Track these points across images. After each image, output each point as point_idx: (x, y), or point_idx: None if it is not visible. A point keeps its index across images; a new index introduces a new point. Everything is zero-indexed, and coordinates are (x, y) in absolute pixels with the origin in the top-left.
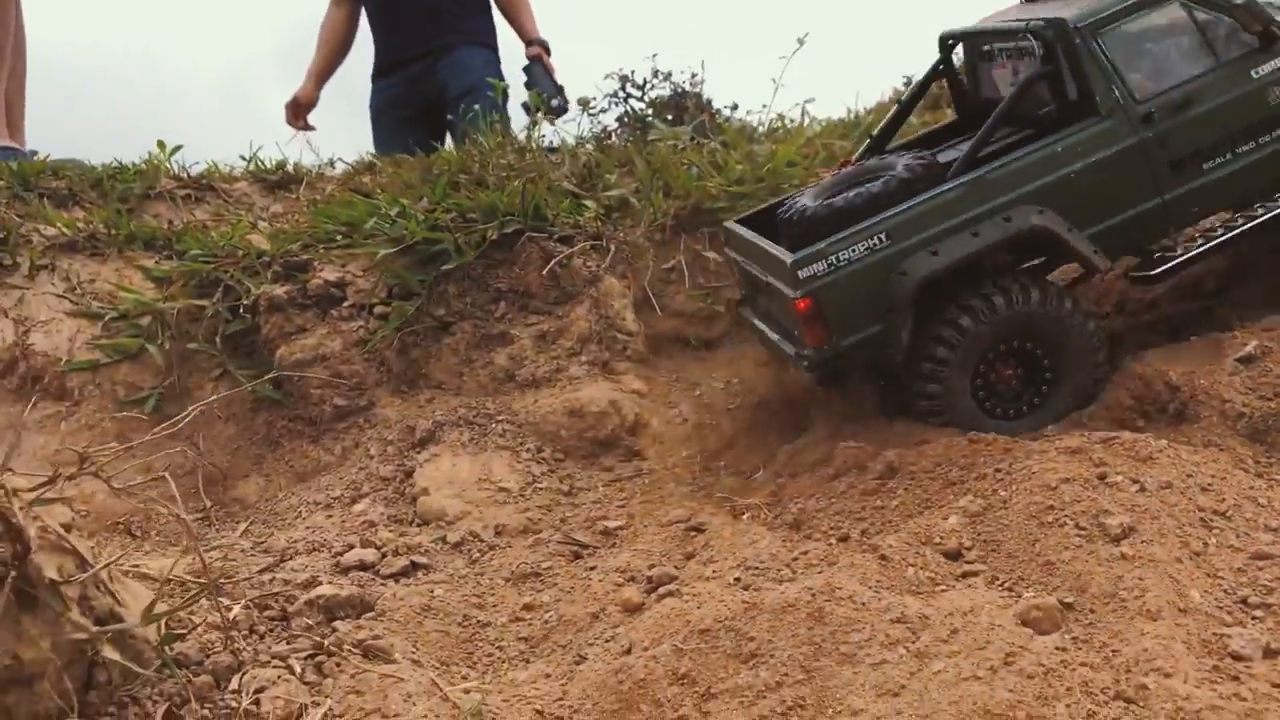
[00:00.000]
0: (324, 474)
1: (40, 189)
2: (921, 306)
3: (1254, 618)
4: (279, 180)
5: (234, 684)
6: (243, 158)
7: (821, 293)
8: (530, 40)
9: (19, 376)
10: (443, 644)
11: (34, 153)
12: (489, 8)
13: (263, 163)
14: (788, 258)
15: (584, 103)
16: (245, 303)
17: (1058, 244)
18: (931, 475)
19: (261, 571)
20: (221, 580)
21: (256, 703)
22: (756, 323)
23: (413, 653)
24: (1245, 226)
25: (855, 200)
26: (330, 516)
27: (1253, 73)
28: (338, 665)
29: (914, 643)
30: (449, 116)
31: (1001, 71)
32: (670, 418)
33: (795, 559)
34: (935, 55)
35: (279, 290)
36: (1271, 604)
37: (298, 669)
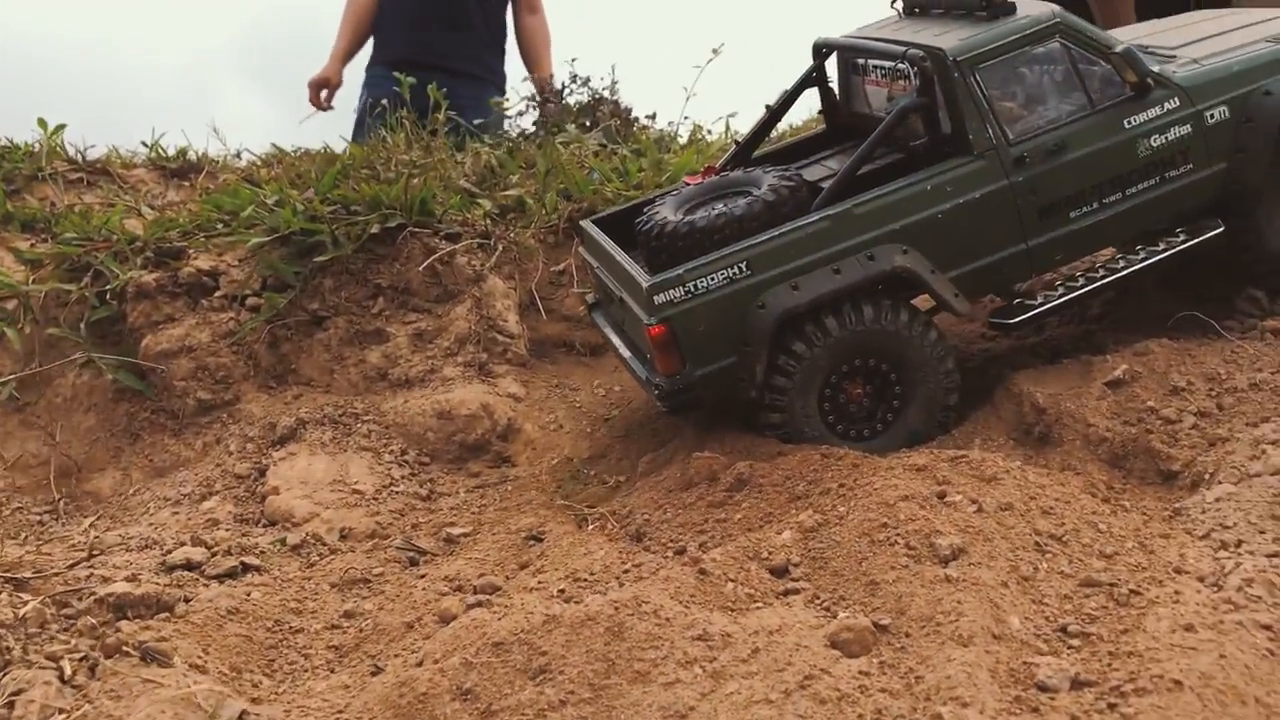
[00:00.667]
0: (181, 469)
1: None
2: (778, 341)
3: (1070, 647)
4: (178, 169)
5: None
6: (144, 144)
7: (677, 320)
8: (540, 79)
9: None
10: (241, 649)
11: None
12: (504, 42)
13: (164, 150)
14: (645, 280)
15: (497, 104)
16: (113, 289)
17: (919, 286)
18: (779, 489)
19: (73, 566)
20: (28, 575)
21: (10, 705)
22: (609, 333)
23: (201, 658)
24: (1107, 280)
25: (717, 220)
26: (176, 513)
27: (1125, 122)
28: (111, 668)
29: (712, 662)
30: None
31: (875, 88)
32: (545, 423)
33: (626, 571)
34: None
35: (148, 277)
36: (1091, 633)
37: (68, 670)
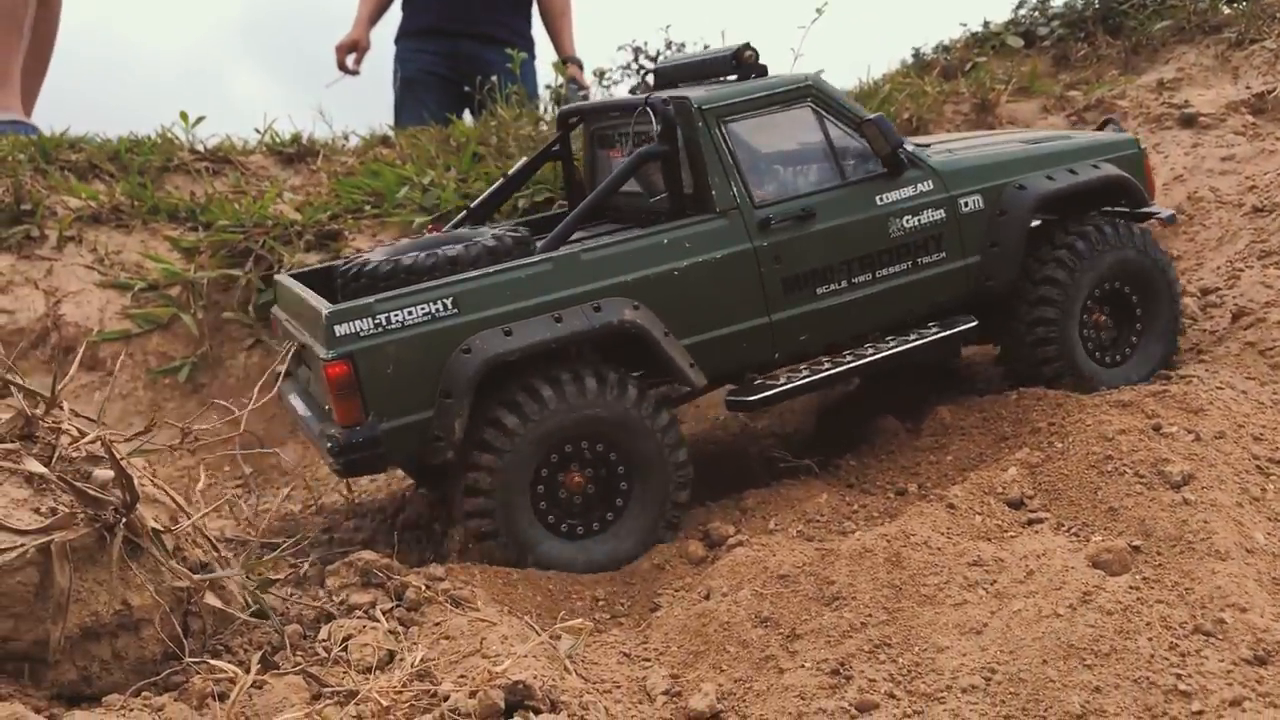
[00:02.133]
0: None
1: (60, 162)
2: (482, 395)
3: None
4: (295, 153)
5: (323, 633)
6: (256, 130)
7: (361, 358)
8: (566, 58)
9: (51, 347)
10: (520, 599)
11: (36, 129)
12: (531, 7)
13: (278, 135)
14: (324, 308)
15: (599, 74)
16: (278, 271)
17: (649, 347)
18: (981, 430)
19: (323, 532)
20: (285, 539)
21: (345, 649)
22: (292, 401)
23: (495, 605)
24: (856, 364)
25: (427, 261)
26: (374, 479)
27: (877, 199)
28: (421, 614)
29: (992, 584)
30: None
31: (615, 160)
32: None
33: (855, 512)
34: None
35: (312, 258)
36: None
37: (381, 620)
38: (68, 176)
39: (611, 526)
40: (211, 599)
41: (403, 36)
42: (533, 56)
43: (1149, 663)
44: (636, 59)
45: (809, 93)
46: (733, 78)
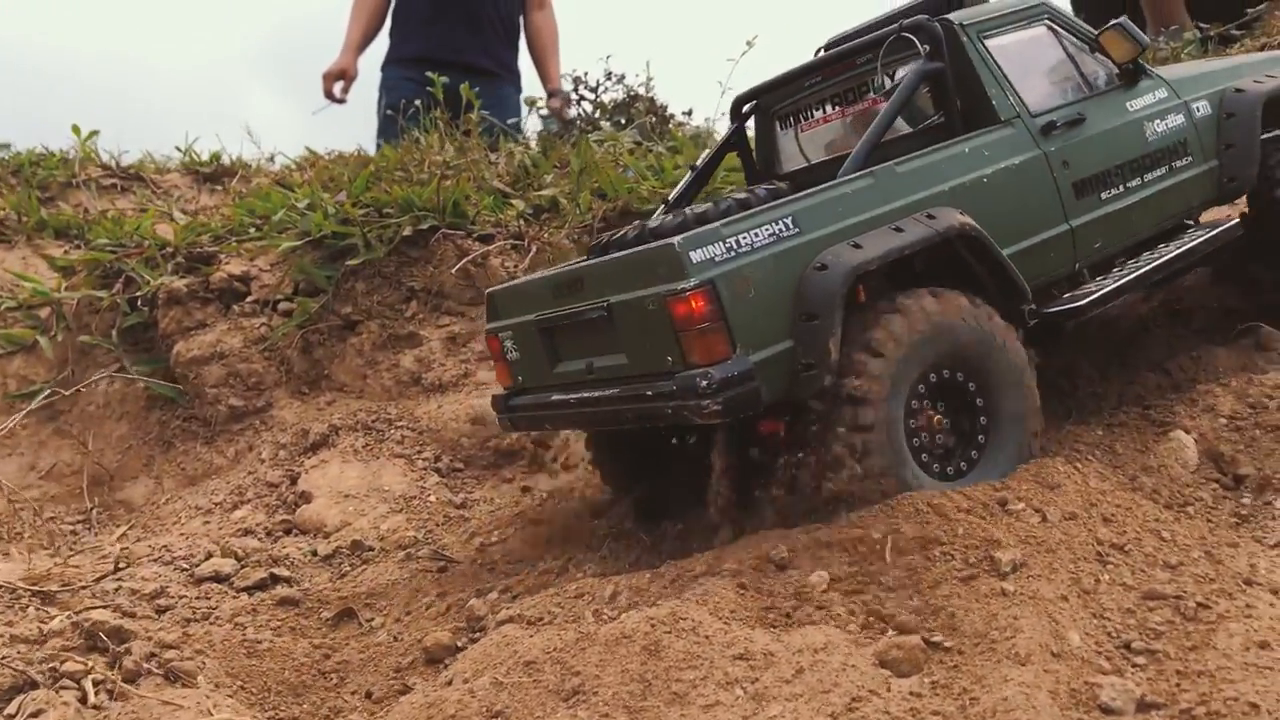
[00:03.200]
0: (213, 477)
1: None
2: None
3: (1135, 665)
4: (212, 173)
5: (12, 706)
6: (177, 148)
7: (722, 284)
8: (552, 91)
9: None
10: (267, 674)
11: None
12: (519, 37)
13: (197, 154)
14: (673, 239)
15: (530, 103)
16: (144, 294)
17: (985, 255)
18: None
19: (100, 579)
20: (56, 589)
21: None
22: (559, 398)
23: (227, 679)
24: (1160, 261)
25: (674, 220)
26: (208, 523)
27: (1127, 105)
28: (136, 686)
29: (753, 683)
30: None
31: (814, 130)
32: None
33: (646, 586)
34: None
35: (179, 283)
36: (1157, 650)
37: (89, 691)
38: None
39: (977, 465)
40: None
41: (389, 64)
42: (517, 89)
43: None
44: (576, 89)
45: (1044, 11)
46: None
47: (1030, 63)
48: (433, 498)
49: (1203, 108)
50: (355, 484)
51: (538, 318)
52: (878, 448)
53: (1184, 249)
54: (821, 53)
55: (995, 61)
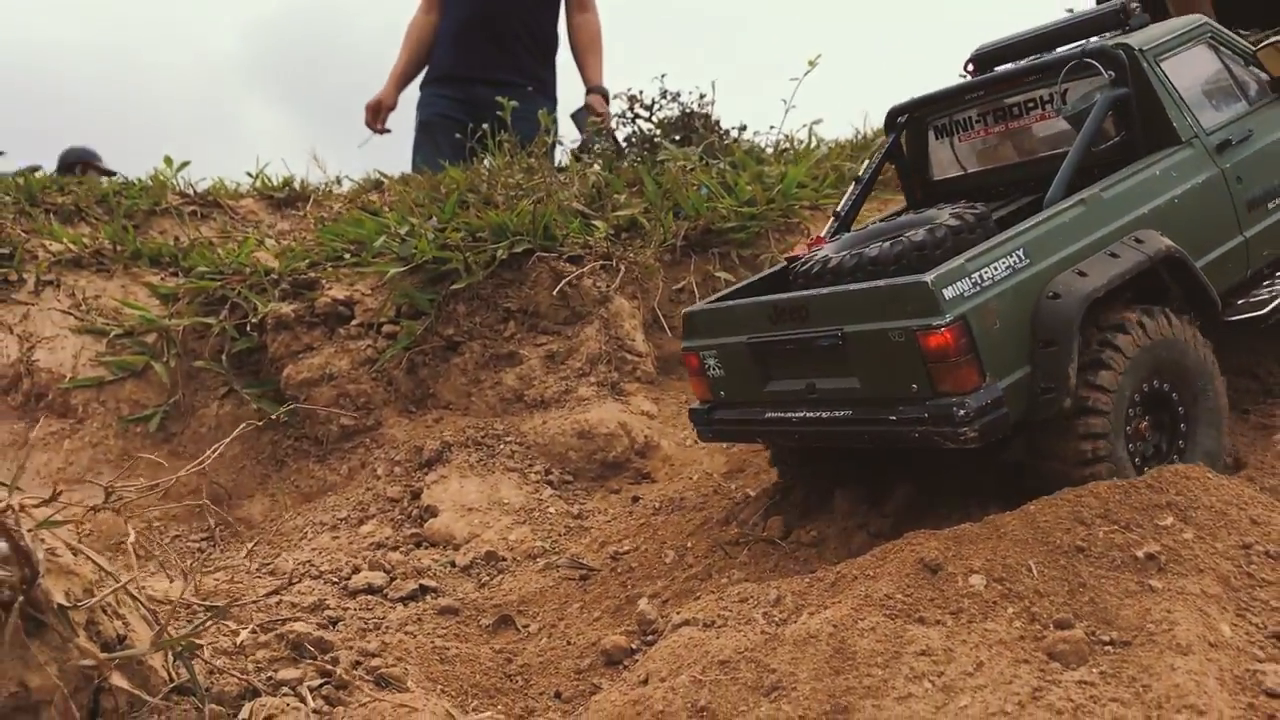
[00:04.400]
0: (330, 494)
1: (47, 204)
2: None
3: None
4: (285, 198)
5: (244, 712)
6: (249, 174)
7: (973, 317)
8: (591, 88)
9: (23, 393)
10: (457, 677)
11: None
12: (555, 52)
13: (269, 179)
14: (925, 277)
15: (593, 123)
16: (252, 320)
17: (1186, 274)
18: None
19: (268, 595)
20: (228, 603)
21: None
22: (774, 415)
23: (428, 684)
24: None
25: (893, 250)
26: (337, 538)
27: None
28: (348, 694)
29: (940, 676)
30: None
31: (971, 141)
32: (680, 439)
33: (808, 589)
34: (889, 88)
35: (286, 308)
36: None
37: (308, 698)
38: (51, 219)
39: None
40: (119, 679)
41: (424, 83)
42: (552, 100)
43: None
44: (631, 107)
45: (1206, 29)
46: (1115, 33)
47: (1199, 81)
48: (551, 509)
49: None
50: (475, 497)
51: (749, 340)
52: (1107, 454)
53: None
54: (970, 66)
55: (1172, 83)
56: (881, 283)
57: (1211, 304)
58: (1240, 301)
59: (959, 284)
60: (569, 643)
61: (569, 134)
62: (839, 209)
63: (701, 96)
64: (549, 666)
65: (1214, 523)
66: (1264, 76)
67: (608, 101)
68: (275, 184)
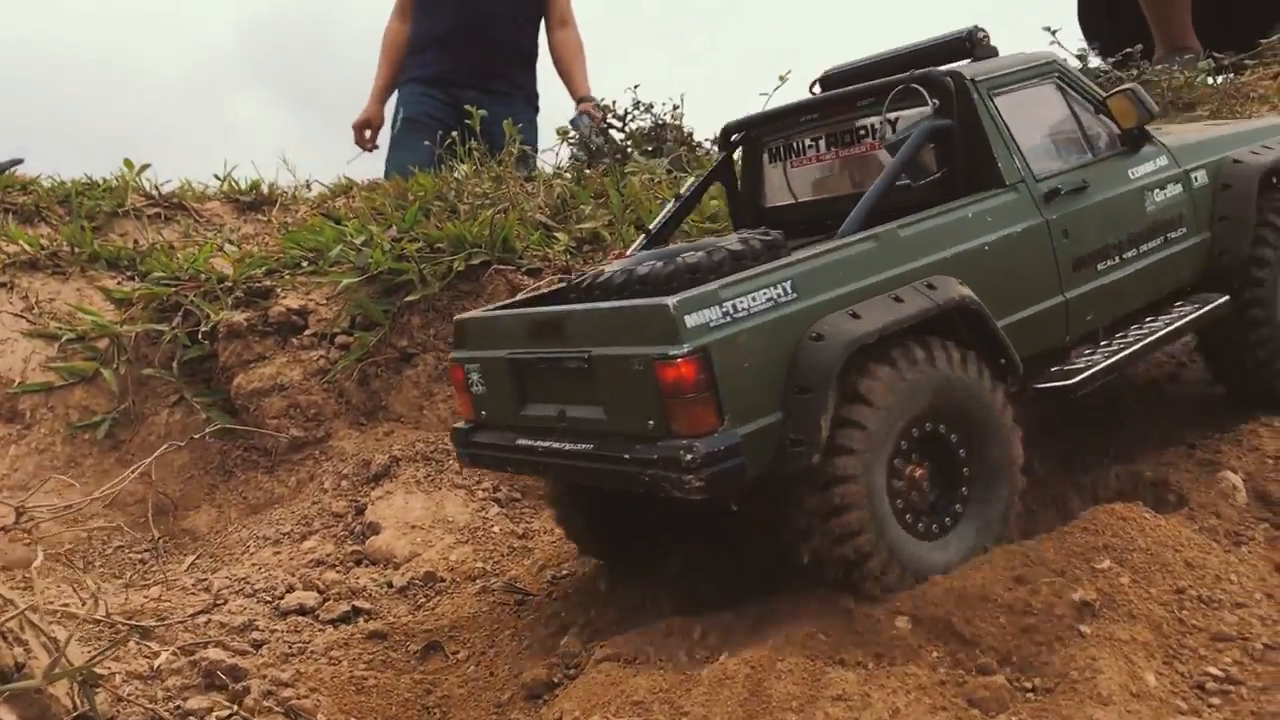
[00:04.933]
0: (276, 507)
1: (6, 204)
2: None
3: (1210, 705)
4: (252, 201)
5: None
6: (216, 176)
7: (716, 351)
8: (581, 97)
9: None
10: (371, 709)
11: None
12: (536, 62)
13: (236, 183)
14: (667, 300)
15: (562, 133)
16: (204, 329)
17: (981, 328)
18: None
19: (198, 614)
20: (153, 623)
21: None
22: (525, 443)
23: (339, 716)
24: (1150, 340)
25: (665, 269)
26: (278, 553)
27: (1129, 173)
28: None
29: None
30: None
31: (804, 168)
32: None
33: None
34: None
35: (239, 317)
36: (1229, 691)
37: None
38: (9, 220)
39: (955, 526)
40: (7, 714)
41: (407, 82)
42: (535, 110)
43: None
44: (605, 117)
45: (1054, 68)
46: (965, 61)
47: (1037, 122)
48: (495, 528)
49: (1200, 177)
50: (420, 515)
51: (509, 355)
52: (860, 527)
53: (1172, 326)
54: (818, 87)
55: (1004, 120)
56: (624, 303)
57: (1011, 367)
58: (1054, 369)
59: (706, 312)
60: (493, 674)
61: (549, 141)
62: (651, 226)
63: (675, 108)
64: (469, 699)
65: (1149, 565)
66: (1114, 128)
67: (598, 108)
68: (242, 187)
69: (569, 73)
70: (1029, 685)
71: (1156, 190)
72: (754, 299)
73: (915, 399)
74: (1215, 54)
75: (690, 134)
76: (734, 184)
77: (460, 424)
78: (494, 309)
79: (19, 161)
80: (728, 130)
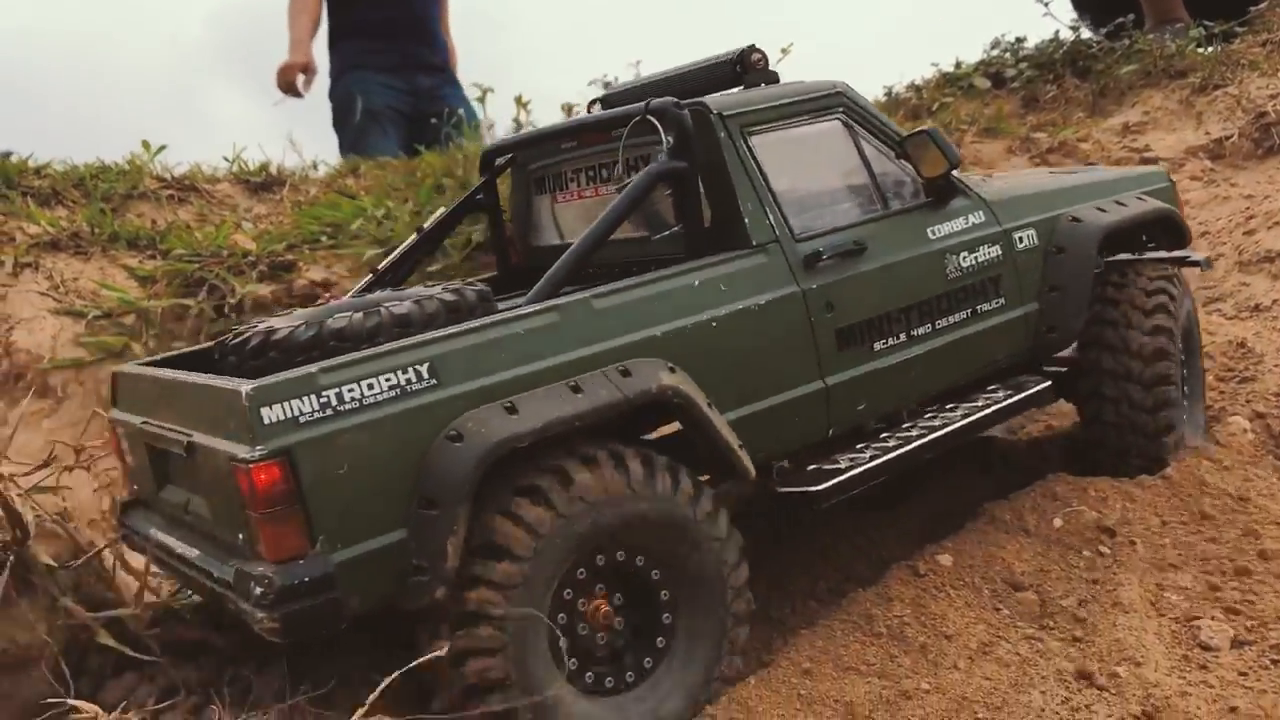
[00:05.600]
0: None
1: (23, 187)
2: (484, 501)
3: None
4: (262, 182)
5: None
6: (225, 159)
7: (302, 454)
8: None
9: (1, 374)
10: None
11: None
12: None
13: (246, 164)
14: (242, 386)
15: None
16: (230, 302)
17: (693, 423)
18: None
19: None
20: None
21: (249, 688)
22: (156, 535)
23: None
24: (928, 439)
25: (367, 322)
26: None
27: (929, 232)
28: None
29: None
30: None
31: (570, 204)
32: None
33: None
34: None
35: (264, 290)
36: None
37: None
38: (29, 202)
39: (651, 676)
40: (105, 638)
41: (358, 69)
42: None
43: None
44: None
45: (839, 102)
46: (734, 90)
47: (808, 168)
48: None
49: (1028, 238)
50: None
51: (142, 424)
52: (505, 678)
53: (973, 418)
54: (597, 107)
55: (758, 165)
56: (205, 380)
57: (737, 472)
58: (809, 468)
59: (295, 403)
60: None
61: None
62: (380, 266)
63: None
64: None
65: None
66: (915, 176)
67: None
68: (252, 169)
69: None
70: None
71: (964, 253)
72: (371, 386)
73: (591, 522)
74: (1205, 23)
75: None
76: (499, 216)
77: (123, 496)
78: (149, 361)
79: (8, 154)
80: (489, 153)
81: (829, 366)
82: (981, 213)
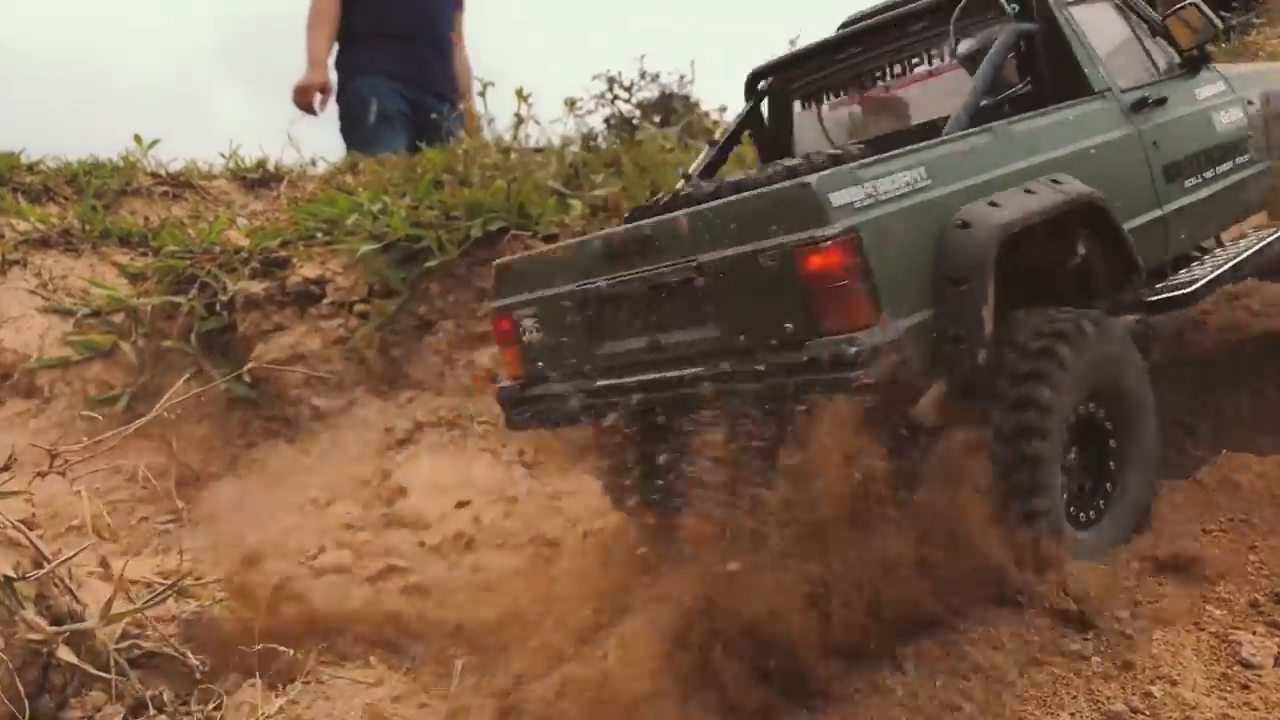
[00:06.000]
0: (300, 475)
1: (15, 184)
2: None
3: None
4: (259, 179)
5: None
6: (222, 155)
7: (866, 233)
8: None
9: None
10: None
11: None
12: None
13: (242, 160)
14: (808, 178)
15: (570, 104)
16: (222, 299)
17: (1107, 226)
18: None
19: (232, 575)
20: (189, 582)
21: (219, 705)
22: (605, 384)
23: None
24: (1250, 251)
25: (762, 174)
26: (307, 518)
27: (1196, 93)
28: (306, 674)
29: None
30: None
31: (840, 111)
32: None
33: None
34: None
35: (256, 287)
36: None
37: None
38: (19, 199)
39: (1105, 514)
40: (66, 653)
41: (371, 73)
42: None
43: None
44: (611, 88)
45: None
46: None
47: (1106, 37)
48: (523, 488)
49: (1256, 105)
50: (448, 477)
51: (579, 287)
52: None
53: (1258, 246)
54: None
55: (1082, 30)
56: (749, 193)
57: (1133, 267)
58: (1160, 285)
59: (850, 191)
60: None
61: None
62: (689, 170)
63: (682, 78)
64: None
65: None
66: (1171, 52)
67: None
68: (249, 165)
69: (466, 87)
70: None
71: (1222, 112)
72: (894, 181)
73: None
74: (1223, 13)
75: (698, 103)
76: (765, 134)
77: (505, 383)
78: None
79: None
80: (754, 76)
81: (1163, 196)
82: (1223, 82)
